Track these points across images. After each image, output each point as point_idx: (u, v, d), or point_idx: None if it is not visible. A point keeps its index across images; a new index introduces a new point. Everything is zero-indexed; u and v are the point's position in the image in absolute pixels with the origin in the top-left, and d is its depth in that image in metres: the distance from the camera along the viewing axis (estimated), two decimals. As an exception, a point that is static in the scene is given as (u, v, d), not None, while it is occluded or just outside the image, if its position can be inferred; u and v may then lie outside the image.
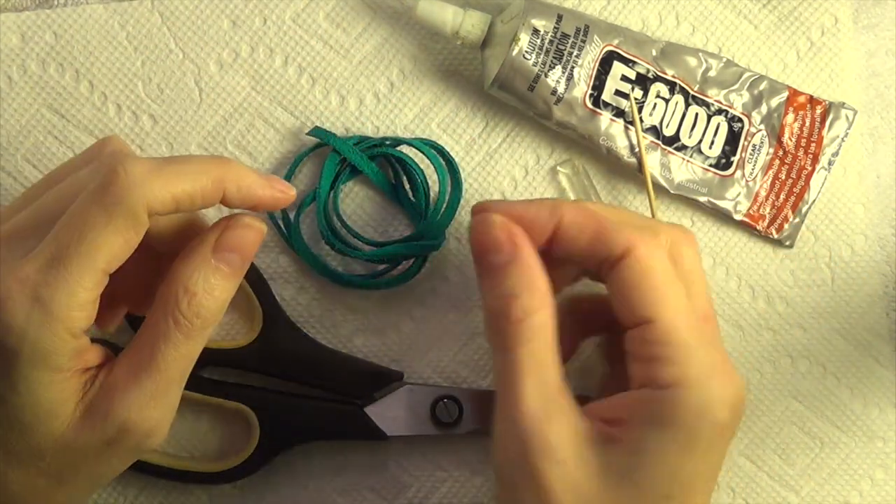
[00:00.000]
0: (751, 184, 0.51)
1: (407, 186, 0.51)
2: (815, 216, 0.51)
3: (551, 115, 0.48)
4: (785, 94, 0.51)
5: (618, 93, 0.49)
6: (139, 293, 0.42)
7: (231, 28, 0.51)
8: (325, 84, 0.51)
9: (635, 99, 0.49)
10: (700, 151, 0.50)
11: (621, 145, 0.49)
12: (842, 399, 0.51)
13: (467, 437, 0.50)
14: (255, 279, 0.49)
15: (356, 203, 0.51)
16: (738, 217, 0.51)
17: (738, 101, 0.50)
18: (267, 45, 0.51)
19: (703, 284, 0.39)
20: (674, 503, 0.36)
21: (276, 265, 0.51)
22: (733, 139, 0.50)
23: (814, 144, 0.51)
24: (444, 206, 0.51)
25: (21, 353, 0.34)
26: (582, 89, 0.48)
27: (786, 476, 0.51)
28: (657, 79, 0.49)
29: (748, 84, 0.51)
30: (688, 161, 0.50)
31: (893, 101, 0.52)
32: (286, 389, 0.49)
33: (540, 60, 0.47)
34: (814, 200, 0.51)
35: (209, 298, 0.37)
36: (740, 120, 0.50)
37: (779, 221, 0.51)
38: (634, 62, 0.49)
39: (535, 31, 0.47)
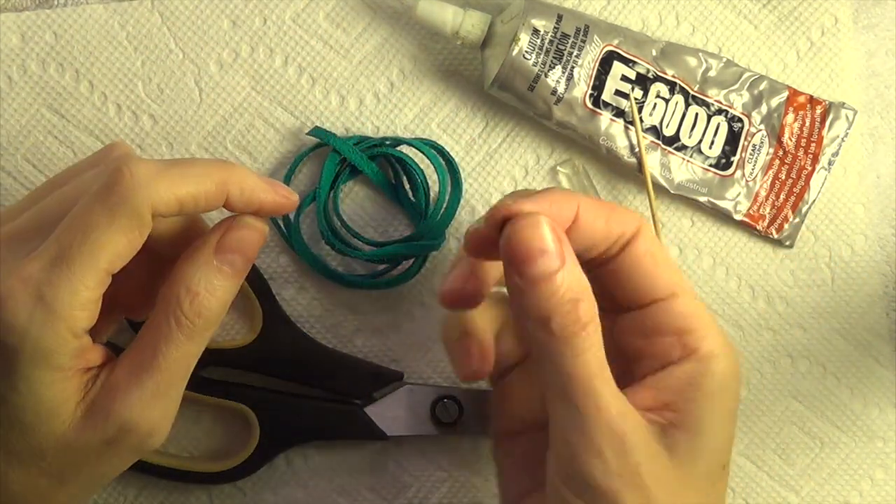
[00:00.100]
0: (751, 184, 0.51)
1: (407, 186, 0.51)
2: (815, 216, 0.51)
3: (551, 115, 0.48)
4: (785, 94, 0.51)
5: (618, 93, 0.49)
6: (136, 298, 0.42)
7: (231, 28, 0.51)
8: (325, 84, 0.51)
9: (635, 99, 0.49)
10: (700, 151, 0.50)
11: (621, 145, 0.49)
12: (842, 399, 0.51)
13: (467, 437, 0.50)
14: (255, 279, 0.49)
15: (356, 203, 0.51)
16: (738, 217, 0.51)
17: (738, 101, 0.50)
18: (267, 45, 0.51)
19: None
20: (726, 470, 0.38)
21: (276, 265, 0.51)
22: (733, 139, 0.50)
23: (814, 144, 0.51)
24: (444, 206, 0.51)
25: (23, 352, 0.34)
26: (582, 89, 0.48)
27: (786, 476, 0.51)
28: (657, 79, 0.49)
29: (748, 84, 0.51)
30: (688, 161, 0.50)
31: (893, 101, 0.52)
32: (286, 389, 0.49)
33: (540, 60, 0.47)
34: (814, 200, 0.51)
35: (211, 299, 0.37)
36: (740, 120, 0.50)
37: (779, 221, 0.51)
38: (634, 62, 0.49)
39: (535, 31, 0.47)
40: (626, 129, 0.49)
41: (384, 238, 0.51)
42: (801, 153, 0.51)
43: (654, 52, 0.49)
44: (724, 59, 0.51)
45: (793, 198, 0.51)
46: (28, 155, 0.51)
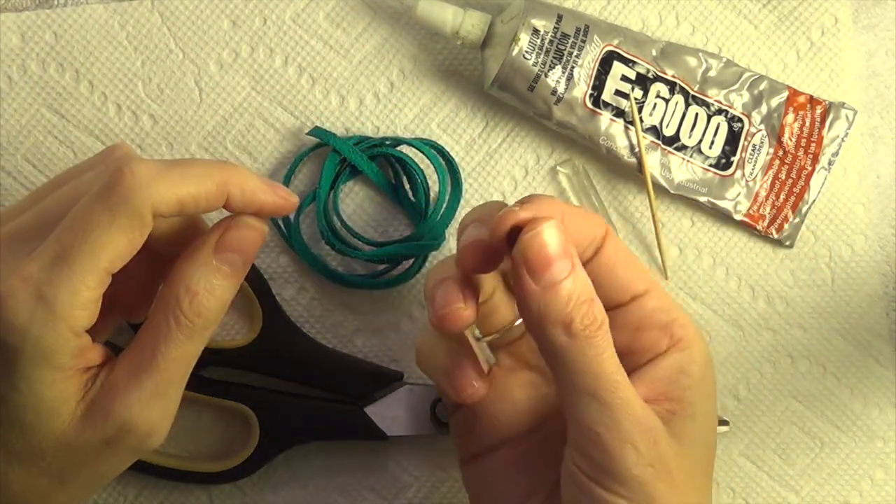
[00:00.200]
0: (751, 184, 0.51)
1: (407, 186, 0.51)
2: (815, 216, 0.51)
3: (551, 115, 0.48)
4: (785, 94, 0.51)
5: (618, 93, 0.49)
6: (136, 298, 0.42)
7: (231, 28, 0.51)
8: (325, 84, 0.51)
9: (635, 99, 0.49)
10: (700, 151, 0.50)
11: (621, 145, 0.49)
12: (842, 399, 0.51)
13: (467, 437, 0.50)
14: (255, 279, 0.49)
15: (356, 203, 0.51)
16: (738, 217, 0.51)
17: (738, 101, 0.50)
18: (267, 45, 0.51)
19: None
20: (714, 449, 0.40)
21: (276, 265, 0.51)
22: (733, 139, 0.50)
23: (814, 144, 0.51)
24: (444, 206, 0.51)
25: (23, 352, 0.34)
26: (582, 89, 0.48)
27: (786, 476, 0.51)
28: (657, 79, 0.49)
29: (748, 84, 0.51)
30: (688, 161, 0.50)
31: (893, 101, 0.52)
32: (286, 389, 0.49)
33: (540, 60, 0.47)
34: (814, 200, 0.51)
35: (210, 298, 0.37)
36: (740, 120, 0.50)
37: (779, 221, 0.51)
38: (634, 62, 0.49)
39: (535, 31, 0.47)
40: (626, 129, 0.49)
41: (384, 238, 0.51)
42: (801, 153, 0.51)
43: (654, 52, 0.49)
44: (724, 59, 0.51)
45: (793, 198, 0.51)
46: (28, 155, 0.51)
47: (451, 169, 0.51)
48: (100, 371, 0.37)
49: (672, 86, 0.49)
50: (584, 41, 0.48)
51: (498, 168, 0.51)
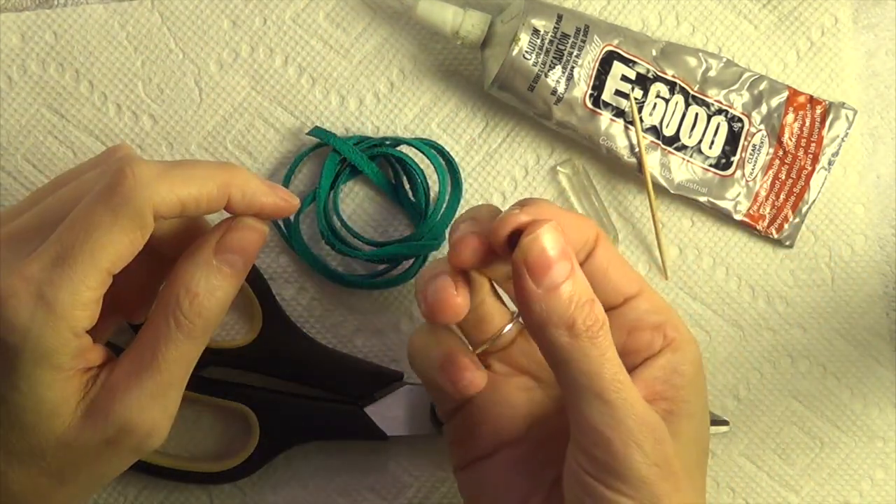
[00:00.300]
0: (751, 184, 0.51)
1: (407, 186, 0.51)
2: (815, 216, 0.51)
3: (551, 115, 0.48)
4: (785, 94, 0.51)
5: (618, 93, 0.49)
6: (135, 300, 0.42)
7: (231, 28, 0.51)
8: (325, 84, 0.51)
9: (635, 99, 0.49)
10: (700, 151, 0.50)
11: (621, 145, 0.49)
12: (842, 399, 0.51)
13: (467, 437, 0.50)
14: (255, 279, 0.49)
15: (356, 203, 0.51)
16: (738, 217, 0.51)
17: (738, 101, 0.50)
18: (267, 45, 0.51)
19: None
20: (708, 448, 0.40)
21: (276, 265, 0.51)
22: (733, 139, 0.50)
23: (814, 144, 0.51)
24: (444, 206, 0.51)
25: (24, 352, 0.34)
26: (582, 89, 0.48)
27: (786, 476, 0.51)
28: (657, 79, 0.49)
29: (748, 84, 0.51)
30: (688, 161, 0.50)
31: (893, 101, 0.52)
32: (286, 389, 0.49)
33: (540, 60, 0.47)
34: (814, 200, 0.51)
35: (211, 299, 0.37)
36: (740, 120, 0.50)
37: (779, 221, 0.51)
38: (634, 62, 0.49)
39: (535, 31, 0.47)
40: (626, 129, 0.49)
41: (384, 238, 0.51)
42: (801, 153, 0.51)
43: (654, 52, 0.49)
44: (724, 59, 0.51)
45: (793, 198, 0.51)
46: (28, 155, 0.51)
47: (451, 169, 0.51)
48: (100, 372, 0.37)
49: (672, 86, 0.49)
50: (584, 41, 0.48)
51: (498, 168, 0.51)
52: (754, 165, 0.51)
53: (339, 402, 0.49)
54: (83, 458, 0.37)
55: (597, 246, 0.39)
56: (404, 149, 0.51)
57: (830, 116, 0.51)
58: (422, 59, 0.51)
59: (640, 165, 0.50)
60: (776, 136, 0.51)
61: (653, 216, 0.50)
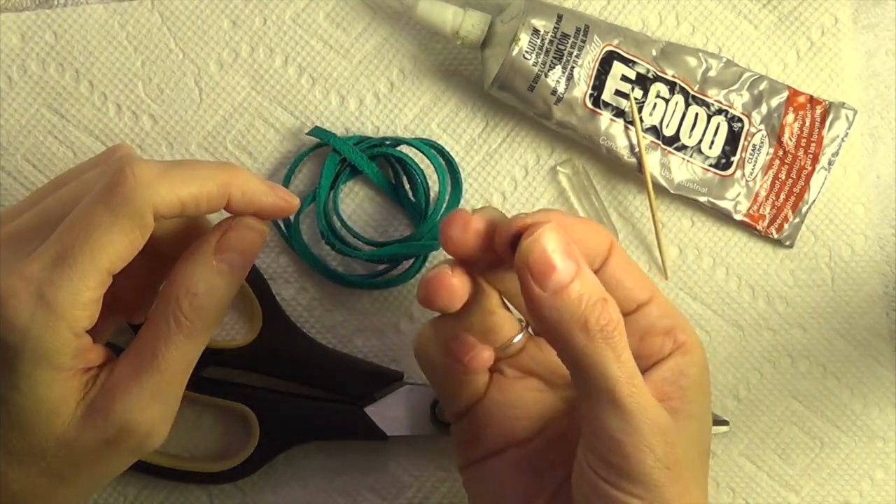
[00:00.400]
0: (751, 184, 0.51)
1: (407, 186, 0.51)
2: (815, 216, 0.51)
3: (551, 115, 0.48)
4: (785, 94, 0.51)
5: (618, 93, 0.49)
6: (135, 299, 0.42)
7: (231, 28, 0.51)
8: (325, 84, 0.51)
9: (635, 99, 0.49)
10: (700, 151, 0.50)
11: (621, 145, 0.49)
12: (842, 399, 0.51)
13: (467, 437, 0.50)
14: (255, 279, 0.49)
15: (356, 203, 0.51)
16: (738, 217, 0.51)
17: (738, 101, 0.50)
18: (267, 45, 0.51)
19: None
20: (709, 448, 0.40)
21: (276, 265, 0.51)
22: (733, 139, 0.50)
23: (814, 144, 0.51)
24: (444, 206, 0.51)
25: (24, 351, 0.34)
26: (582, 89, 0.48)
27: (786, 476, 0.51)
28: (657, 79, 0.49)
29: (748, 84, 0.51)
30: (688, 161, 0.50)
31: (893, 101, 0.52)
32: (286, 389, 0.49)
33: (540, 60, 0.47)
34: (814, 200, 0.51)
35: (211, 299, 0.37)
36: (740, 120, 0.50)
37: (779, 221, 0.51)
38: (634, 62, 0.49)
39: (535, 31, 0.47)
40: (626, 129, 0.49)
41: (384, 238, 0.51)
42: (801, 153, 0.51)
43: (654, 52, 0.49)
44: (724, 59, 0.51)
45: (793, 198, 0.51)
46: (28, 155, 0.51)
47: (451, 169, 0.51)
48: (100, 372, 0.37)
49: (672, 86, 0.49)
50: (584, 41, 0.48)
51: (498, 168, 0.51)
52: (754, 165, 0.51)
53: (339, 402, 0.49)
54: (83, 458, 0.37)
55: (611, 254, 0.39)
56: (404, 149, 0.51)
57: (830, 116, 0.51)
58: (422, 59, 0.51)
59: (640, 165, 0.50)
60: (776, 136, 0.51)
61: (653, 216, 0.50)
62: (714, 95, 0.50)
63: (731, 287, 0.51)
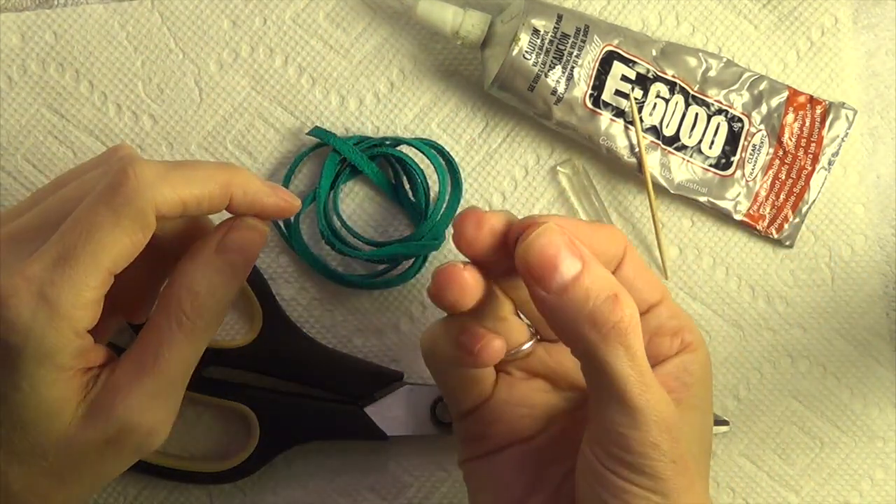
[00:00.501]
0: (751, 184, 0.51)
1: (407, 186, 0.51)
2: (815, 216, 0.51)
3: (551, 115, 0.48)
4: (785, 94, 0.51)
5: (618, 93, 0.49)
6: (137, 299, 0.42)
7: (231, 28, 0.51)
8: (325, 84, 0.51)
9: (635, 99, 0.49)
10: (700, 151, 0.50)
11: (621, 145, 0.49)
12: (842, 399, 0.51)
13: (467, 437, 0.50)
14: (255, 279, 0.49)
15: (356, 203, 0.51)
16: (738, 217, 0.51)
17: (738, 101, 0.50)
18: (267, 45, 0.51)
19: None
20: (711, 444, 0.41)
21: (276, 265, 0.51)
22: (733, 139, 0.50)
23: (814, 144, 0.51)
24: (444, 206, 0.51)
25: (25, 351, 0.34)
26: (582, 89, 0.48)
27: (786, 476, 0.51)
28: (657, 79, 0.49)
29: (748, 84, 0.51)
30: (688, 161, 0.50)
31: (893, 101, 0.52)
32: (286, 389, 0.49)
33: (540, 60, 0.47)
34: (814, 200, 0.51)
35: (212, 299, 0.37)
36: (740, 120, 0.50)
37: (779, 221, 0.51)
38: (634, 62, 0.49)
39: (535, 31, 0.47)
40: (626, 129, 0.49)
41: (384, 238, 0.51)
42: (801, 153, 0.51)
43: (654, 52, 0.49)
44: (724, 59, 0.51)
45: (793, 198, 0.51)
46: (28, 155, 0.51)
47: (451, 169, 0.51)
48: (101, 371, 0.37)
49: (672, 86, 0.49)
50: (584, 41, 0.48)
51: (498, 168, 0.51)
52: (754, 165, 0.51)
53: (339, 402, 0.49)
54: (84, 457, 0.37)
55: (625, 258, 0.39)
56: (404, 149, 0.51)
57: (830, 116, 0.51)
58: (422, 59, 0.51)
59: (640, 165, 0.50)
60: (776, 136, 0.51)
61: (653, 216, 0.50)
62: (714, 95, 0.50)
63: (731, 287, 0.51)
